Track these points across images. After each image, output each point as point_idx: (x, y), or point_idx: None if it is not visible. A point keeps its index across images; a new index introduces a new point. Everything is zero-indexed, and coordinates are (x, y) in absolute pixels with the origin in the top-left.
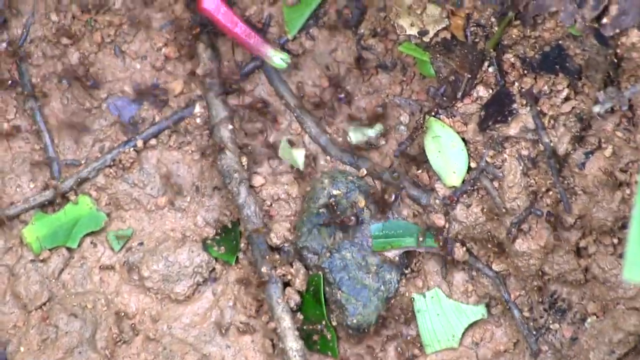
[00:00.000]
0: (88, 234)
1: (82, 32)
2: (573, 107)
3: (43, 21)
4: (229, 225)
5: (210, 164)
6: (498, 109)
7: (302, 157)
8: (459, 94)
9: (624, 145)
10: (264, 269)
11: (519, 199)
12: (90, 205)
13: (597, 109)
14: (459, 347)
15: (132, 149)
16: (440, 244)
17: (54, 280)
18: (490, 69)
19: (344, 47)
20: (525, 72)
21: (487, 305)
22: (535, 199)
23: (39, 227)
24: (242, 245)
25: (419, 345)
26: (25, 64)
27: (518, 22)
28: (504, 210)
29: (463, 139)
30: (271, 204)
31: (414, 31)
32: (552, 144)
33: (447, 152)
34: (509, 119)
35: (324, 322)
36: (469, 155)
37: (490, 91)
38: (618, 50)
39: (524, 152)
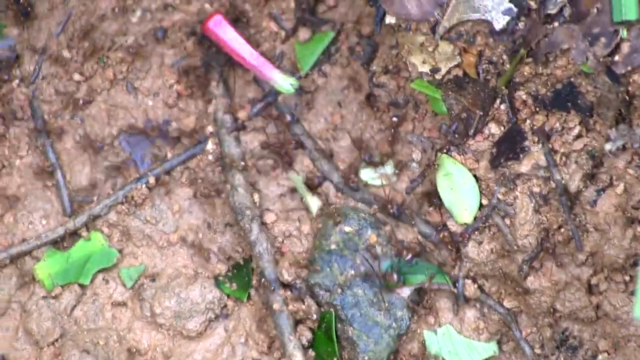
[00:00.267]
0: (100, 271)
1: (94, 69)
2: (585, 145)
3: (56, 58)
4: (241, 262)
5: (223, 201)
6: (510, 146)
7: (317, 205)
8: (471, 131)
9: (636, 183)
10: (275, 306)
11: (530, 236)
12: (103, 241)
13: (608, 146)
14: None
15: (144, 185)
16: (452, 281)
17: (66, 317)
18: (502, 106)
19: (356, 84)
20: (537, 109)
21: (499, 342)
22: (547, 236)
23: (51, 263)
24: (254, 281)
25: None
26: (37, 101)
27: (530, 59)
28: (515, 247)
29: (475, 176)
30: (283, 241)
31: (426, 68)
32: (563, 181)
33: (459, 189)
34: (521, 156)
35: (335, 359)
36: (480, 192)
37: (502, 128)
38: (630, 88)
39: (536, 190)
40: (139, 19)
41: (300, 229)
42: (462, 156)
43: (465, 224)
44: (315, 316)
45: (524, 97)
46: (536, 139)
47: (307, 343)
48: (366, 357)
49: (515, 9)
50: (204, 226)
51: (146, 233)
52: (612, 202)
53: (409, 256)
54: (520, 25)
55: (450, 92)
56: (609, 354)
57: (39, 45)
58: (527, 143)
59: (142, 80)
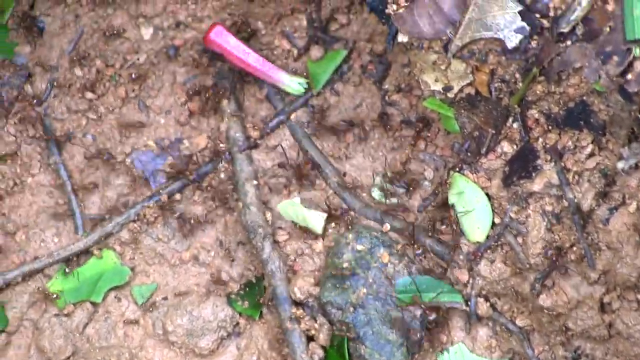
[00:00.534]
0: (112, 289)
1: (106, 87)
2: (597, 163)
3: (67, 76)
4: (253, 280)
5: (235, 219)
6: (522, 164)
7: (322, 221)
8: (483, 150)
9: None
10: (288, 324)
11: (543, 254)
12: (115, 259)
13: (621, 165)
14: None
15: (156, 203)
16: (464, 299)
17: (78, 335)
18: (515, 125)
19: (369, 103)
20: (550, 127)
21: None
22: (560, 255)
23: (63, 281)
24: (266, 300)
25: None
26: (49, 119)
27: (542, 78)
28: (527, 265)
29: (487, 195)
30: (295, 259)
31: (438, 87)
32: (576, 200)
33: (471, 207)
34: (533, 174)
35: None
36: (493, 210)
37: (515, 147)
38: None
39: (548, 208)
40: (150, 37)
41: (312, 247)
42: (474, 174)
43: (477, 242)
44: (327, 334)
45: (536, 115)
46: (549, 158)
47: None
48: None
49: (527, 28)
50: (216, 244)
51: (158, 251)
52: (625, 221)
53: (421, 274)
54: (533, 43)
55: (462, 111)
56: None
57: (51, 63)
58: (539, 161)
59: (154, 98)
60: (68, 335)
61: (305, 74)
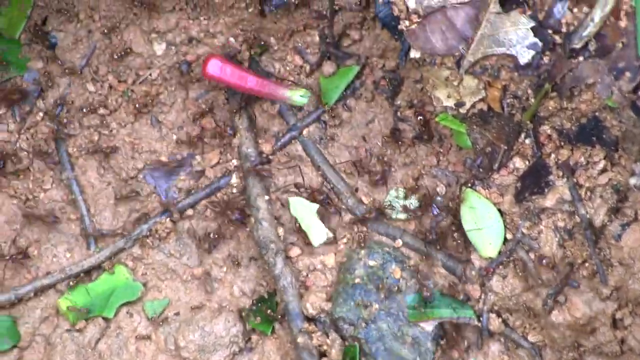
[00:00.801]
0: (124, 304)
1: (118, 103)
2: (609, 179)
3: (79, 91)
4: (265, 296)
5: (247, 235)
6: (534, 180)
7: (323, 238)
8: (496, 166)
9: None
10: (300, 340)
11: (555, 270)
12: (127, 275)
13: (633, 180)
14: None
15: (168, 219)
16: (476, 315)
17: (90, 350)
18: (527, 141)
19: (381, 118)
20: (562, 143)
21: None
22: (572, 271)
23: (75, 296)
24: (278, 315)
25: None
26: (62, 134)
27: (555, 94)
28: (540, 281)
29: (499, 210)
30: (307, 275)
31: (450, 102)
32: (588, 216)
33: (484, 223)
34: (546, 190)
35: None
36: (505, 226)
37: (527, 163)
38: None
39: (560, 224)
40: (163, 53)
41: (324, 263)
42: (486, 190)
43: (489, 258)
44: (339, 350)
45: (548, 131)
46: (561, 173)
47: None
48: None
49: (540, 44)
50: (228, 260)
51: (170, 267)
52: (637, 237)
53: (433, 290)
54: (545, 59)
55: (474, 126)
56: None
57: (64, 80)
58: (551, 177)
59: (167, 113)
60: (80, 351)
61: (307, 85)
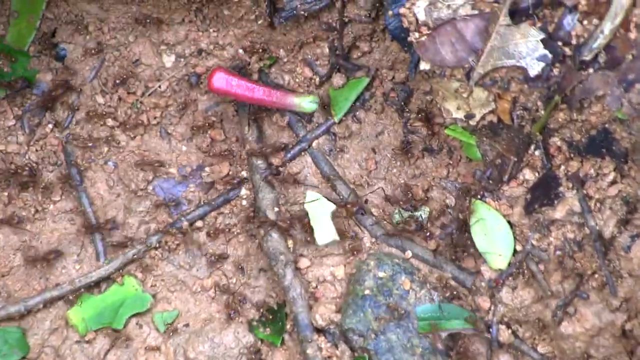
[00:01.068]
0: (134, 315)
1: (127, 114)
2: (619, 191)
3: (88, 103)
4: (275, 307)
5: (256, 246)
6: (544, 192)
7: (329, 239)
8: (505, 177)
9: None
10: (309, 351)
11: (564, 281)
12: (136, 286)
13: None
14: None
15: (177, 230)
16: (486, 326)
17: None
18: (537, 153)
19: (391, 130)
20: (572, 155)
21: None
22: (581, 282)
23: (85, 308)
24: (287, 326)
25: None
26: (71, 146)
27: (564, 105)
28: (549, 293)
29: (509, 222)
30: (317, 286)
31: (460, 114)
32: (598, 227)
33: (493, 235)
34: (555, 202)
35: None
36: (514, 238)
37: (537, 174)
38: None
39: (570, 235)
40: (172, 65)
41: (334, 274)
42: (496, 202)
43: (499, 269)
44: None
45: (558, 143)
46: (570, 185)
47: None
48: None
49: (550, 56)
50: (238, 271)
51: (180, 278)
52: None
53: (443, 301)
54: (555, 71)
55: (484, 138)
56: None
57: (73, 91)
58: (561, 189)
59: (176, 125)
60: None
61: (315, 92)
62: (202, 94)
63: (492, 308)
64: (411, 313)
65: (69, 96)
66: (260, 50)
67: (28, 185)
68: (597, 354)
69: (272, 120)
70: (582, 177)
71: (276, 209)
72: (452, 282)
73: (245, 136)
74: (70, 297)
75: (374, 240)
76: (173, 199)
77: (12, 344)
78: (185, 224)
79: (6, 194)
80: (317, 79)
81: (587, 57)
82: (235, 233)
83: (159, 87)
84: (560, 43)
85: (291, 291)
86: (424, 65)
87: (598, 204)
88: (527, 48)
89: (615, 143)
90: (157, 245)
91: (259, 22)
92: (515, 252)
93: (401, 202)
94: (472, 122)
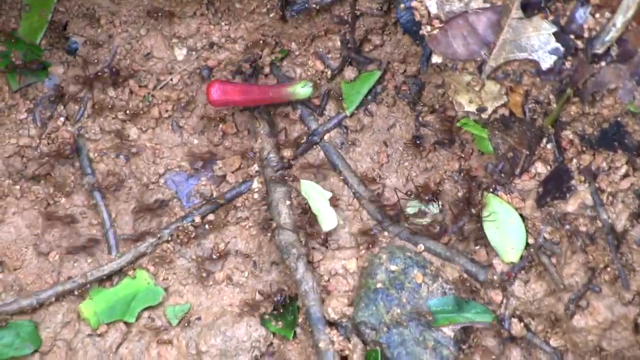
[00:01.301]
0: (146, 309)
1: (139, 108)
2: (631, 184)
3: (100, 96)
4: (287, 300)
5: (268, 239)
6: (556, 185)
7: (332, 225)
8: (517, 171)
9: None
10: (321, 344)
11: (576, 275)
12: (148, 280)
13: None
14: None
15: (189, 224)
16: (498, 319)
17: (111, 355)
18: (549, 146)
19: (402, 124)
20: (584, 148)
21: None
22: (593, 275)
23: (97, 301)
24: (300, 320)
25: None
26: (83, 139)
27: (576, 99)
28: (562, 286)
29: (521, 215)
30: (329, 279)
31: (472, 108)
32: (610, 221)
33: (505, 228)
34: (568, 195)
35: None
36: (526, 231)
37: (549, 168)
38: None
39: (582, 229)
40: (184, 58)
41: (346, 268)
42: (508, 195)
43: (511, 262)
44: (361, 355)
45: (570, 136)
46: (583, 178)
47: None
48: None
49: (562, 49)
50: (250, 264)
51: (192, 271)
52: None
53: (455, 295)
54: (567, 64)
55: (496, 132)
56: None
57: (84, 84)
58: (573, 182)
59: (188, 118)
60: (101, 356)
61: (328, 89)
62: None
63: (505, 301)
64: (423, 306)
65: (81, 89)
66: (272, 44)
67: (39, 178)
68: (610, 347)
69: (284, 113)
70: (594, 170)
71: (288, 202)
72: (465, 276)
73: (257, 129)
74: (82, 291)
75: (386, 233)
76: (184, 192)
77: (24, 337)
78: (197, 217)
79: (18, 187)
80: (329, 72)
81: (599, 50)
82: (247, 226)
83: (171, 80)
84: (572, 36)
85: (303, 284)
86: (436, 59)
87: (610, 197)
88: (539, 41)
89: (627, 136)
90: (169, 238)
91: (271, 15)
92: (527, 245)
93: (413, 196)
94: (484, 115)
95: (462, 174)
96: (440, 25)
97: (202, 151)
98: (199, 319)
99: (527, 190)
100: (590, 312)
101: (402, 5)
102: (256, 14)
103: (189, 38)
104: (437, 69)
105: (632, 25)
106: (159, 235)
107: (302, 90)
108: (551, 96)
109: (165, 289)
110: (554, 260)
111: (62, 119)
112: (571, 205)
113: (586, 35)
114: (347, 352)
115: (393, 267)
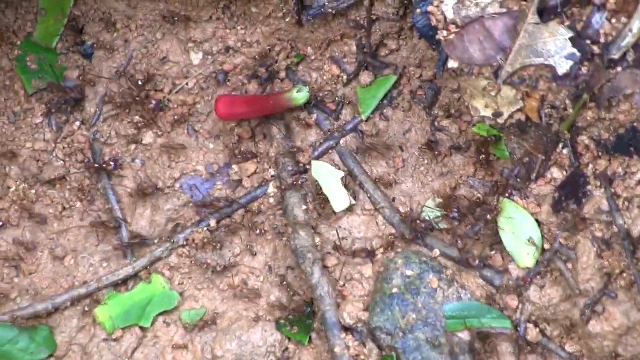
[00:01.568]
0: (161, 314)
1: (155, 112)
2: None
3: (116, 100)
4: (303, 305)
5: (284, 244)
6: (572, 190)
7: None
8: (533, 176)
9: None
10: (337, 349)
11: (592, 280)
12: (164, 284)
13: None
14: None
15: (205, 228)
16: (514, 325)
17: None
18: (565, 151)
19: (418, 128)
20: (600, 154)
21: None
22: (610, 281)
23: (112, 306)
24: (315, 325)
25: None
26: (98, 143)
27: (593, 104)
28: (577, 291)
29: (537, 221)
30: (344, 284)
31: (488, 113)
32: (626, 226)
33: (521, 233)
34: (583, 200)
35: None
36: (542, 236)
37: (565, 173)
38: None
39: (598, 234)
40: (200, 62)
41: (361, 273)
42: (524, 200)
43: (527, 268)
44: None
45: (586, 141)
46: (599, 184)
47: None
48: None
49: (578, 54)
50: (266, 269)
51: (207, 276)
52: None
53: (471, 300)
54: (584, 70)
55: (512, 137)
56: None
57: (101, 89)
58: (589, 188)
59: (203, 123)
60: None
61: (342, 95)
62: (229, 91)
63: (520, 307)
64: (439, 311)
65: (97, 94)
66: (288, 48)
67: (55, 182)
68: (626, 353)
69: (300, 117)
70: (610, 176)
71: (304, 207)
72: (480, 281)
73: (273, 134)
74: (98, 295)
75: (401, 238)
76: (200, 197)
77: (39, 342)
78: (212, 221)
79: (34, 191)
80: (345, 77)
81: (616, 55)
82: (262, 231)
83: (187, 84)
84: (588, 41)
85: (319, 289)
86: (452, 64)
87: (626, 203)
88: (555, 46)
89: None
90: (185, 243)
91: (287, 19)
92: (543, 250)
93: (429, 201)
94: (500, 121)
95: (478, 179)
96: (456, 30)
97: (218, 156)
98: (214, 323)
99: (543, 195)
100: (606, 317)
101: (419, 10)
102: (272, 19)
103: (205, 42)
104: (453, 74)
105: None
106: (174, 240)
107: (298, 95)
108: (567, 101)
109: (181, 294)
110: (569, 265)
111: (77, 123)
112: (587, 211)
113: (602, 40)
114: (362, 357)
115: (409, 272)
